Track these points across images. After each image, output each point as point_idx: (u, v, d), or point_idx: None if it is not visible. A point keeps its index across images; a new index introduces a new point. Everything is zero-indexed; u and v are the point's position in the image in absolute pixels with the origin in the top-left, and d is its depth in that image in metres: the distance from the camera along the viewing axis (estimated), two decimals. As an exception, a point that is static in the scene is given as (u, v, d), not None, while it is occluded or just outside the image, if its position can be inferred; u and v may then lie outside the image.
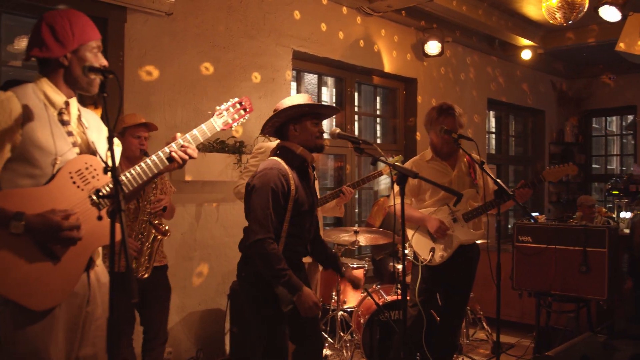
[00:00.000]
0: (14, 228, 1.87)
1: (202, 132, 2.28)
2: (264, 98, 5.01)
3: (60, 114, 2.09)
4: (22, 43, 4.74)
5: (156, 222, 3.45)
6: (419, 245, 3.75)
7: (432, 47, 6.50)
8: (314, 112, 2.89)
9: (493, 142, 8.97)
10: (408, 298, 3.84)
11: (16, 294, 1.92)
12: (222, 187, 4.68)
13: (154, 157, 2.18)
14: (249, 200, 2.81)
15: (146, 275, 3.41)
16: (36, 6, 3.83)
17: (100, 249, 2.21)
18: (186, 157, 2.21)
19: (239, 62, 4.85)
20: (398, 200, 2.66)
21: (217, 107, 2.39)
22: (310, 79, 6.60)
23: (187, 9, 4.48)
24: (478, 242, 3.89)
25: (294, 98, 2.95)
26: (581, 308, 4.56)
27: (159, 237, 3.45)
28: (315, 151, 2.92)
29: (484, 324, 5.13)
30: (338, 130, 2.93)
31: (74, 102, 2.16)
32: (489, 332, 5.08)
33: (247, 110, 2.45)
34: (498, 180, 3.38)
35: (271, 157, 2.90)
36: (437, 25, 6.53)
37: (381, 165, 3.73)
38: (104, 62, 2.12)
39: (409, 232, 3.77)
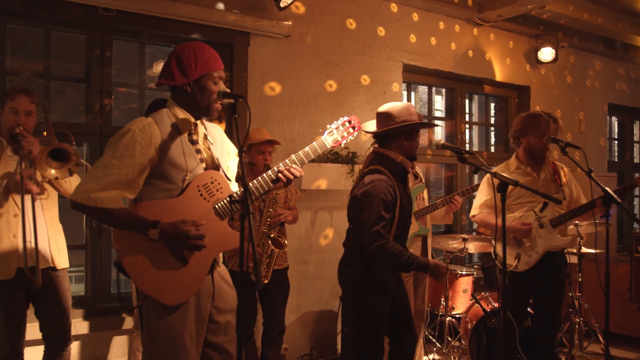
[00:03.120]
0: (151, 235, 2.21)
1: (313, 149, 2.53)
2: (375, 111, 5.24)
3: (190, 134, 2.40)
4: (158, 67, 5.35)
5: (273, 235, 3.76)
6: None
7: (546, 53, 6.41)
8: (423, 128, 3.06)
9: (616, 148, 8.55)
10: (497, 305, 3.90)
11: (152, 290, 2.27)
12: (336, 195, 4.98)
13: (264, 175, 2.45)
14: (358, 209, 2.97)
15: (265, 281, 3.74)
16: (173, 36, 4.36)
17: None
18: (291, 176, 2.45)
19: (351, 78, 5.13)
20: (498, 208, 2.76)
21: (328, 126, 2.65)
22: (422, 89, 6.74)
23: (303, 30, 4.85)
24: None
25: (404, 110, 3.03)
26: None
27: (276, 250, 3.75)
28: (414, 160, 3.14)
29: (600, 337, 4.99)
30: (442, 142, 3.06)
31: (200, 123, 2.47)
32: (605, 346, 4.92)
33: (355, 128, 2.68)
34: (606, 188, 3.35)
35: (373, 167, 3.04)
36: (551, 31, 6.42)
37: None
38: (226, 90, 2.38)
39: (493, 239, 3.84)
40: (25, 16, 3.88)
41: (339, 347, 4.88)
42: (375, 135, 3.15)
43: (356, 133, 2.69)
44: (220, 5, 4.41)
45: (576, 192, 3.86)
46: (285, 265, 4.01)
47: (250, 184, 2.42)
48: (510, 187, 2.77)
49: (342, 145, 2.67)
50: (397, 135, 3.05)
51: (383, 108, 3.09)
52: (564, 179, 3.81)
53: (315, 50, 4.93)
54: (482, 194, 3.94)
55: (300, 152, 2.51)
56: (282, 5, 4.47)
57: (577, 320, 4.83)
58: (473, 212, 3.97)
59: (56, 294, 3.20)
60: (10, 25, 3.93)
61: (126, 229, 2.24)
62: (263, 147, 3.83)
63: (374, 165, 3.07)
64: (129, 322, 4.04)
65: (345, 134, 2.65)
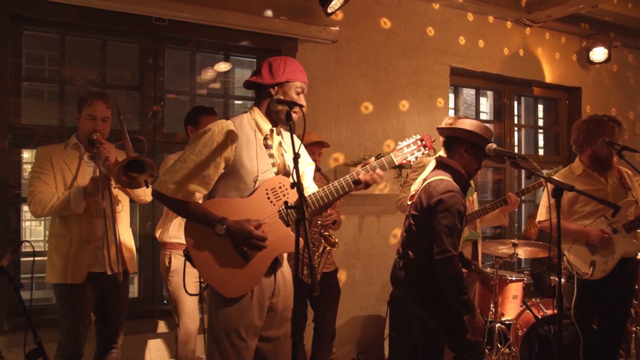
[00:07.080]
0: (218, 229, 2.37)
1: (381, 164, 2.56)
2: (423, 115, 5.22)
3: (265, 139, 2.54)
4: (206, 74, 5.44)
5: (326, 234, 3.81)
6: (577, 259, 3.66)
7: (598, 53, 6.24)
8: (489, 153, 3.00)
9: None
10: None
11: (213, 281, 2.42)
12: (383, 199, 4.97)
13: (341, 179, 2.53)
14: (433, 215, 2.98)
15: (316, 293, 3.77)
16: (222, 44, 4.45)
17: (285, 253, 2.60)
18: (373, 181, 2.53)
19: (398, 82, 5.12)
20: (553, 215, 2.70)
21: (399, 143, 2.67)
22: (466, 91, 6.66)
23: (350, 35, 4.87)
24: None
25: (480, 125, 3.08)
26: None
27: (328, 248, 3.80)
28: (470, 178, 3.16)
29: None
30: (494, 146, 2.99)
31: (277, 130, 2.59)
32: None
33: (427, 147, 2.67)
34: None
35: (443, 177, 3.04)
36: (603, 30, 6.25)
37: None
38: (303, 103, 2.51)
39: (565, 247, 3.70)
40: (83, 27, 4.02)
41: (386, 352, 4.86)
42: (445, 135, 3.18)
43: (427, 151, 2.69)
44: (269, 13, 4.47)
45: None
46: (334, 267, 4.02)
47: (330, 186, 2.52)
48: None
49: (412, 163, 2.69)
50: (461, 143, 3.08)
51: (461, 120, 3.14)
52: (629, 183, 3.71)
53: (362, 55, 4.94)
54: (547, 199, 3.79)
55: (367, 166, 2.56)
56: (329, 10, 4.49)
57: (634, 328, 4.67)
58: (540, 217, 3.83)
59: (121, 295, 3.34)
60: (69, 36, 4.08)
61: (196, 221, 2.41)
62: (312, 148, 3.91)
63: (444, 174, 3.07)
64: (162, 326, 4.14)
65: (416, 152, 2.66)
